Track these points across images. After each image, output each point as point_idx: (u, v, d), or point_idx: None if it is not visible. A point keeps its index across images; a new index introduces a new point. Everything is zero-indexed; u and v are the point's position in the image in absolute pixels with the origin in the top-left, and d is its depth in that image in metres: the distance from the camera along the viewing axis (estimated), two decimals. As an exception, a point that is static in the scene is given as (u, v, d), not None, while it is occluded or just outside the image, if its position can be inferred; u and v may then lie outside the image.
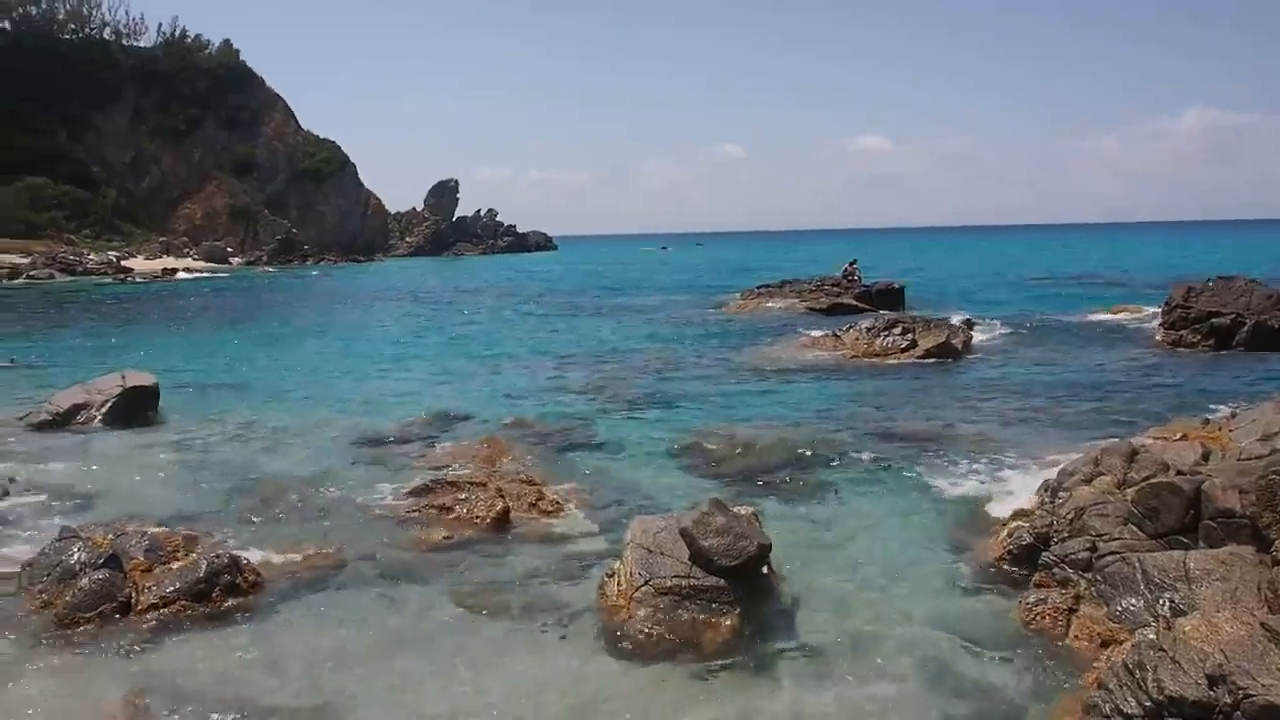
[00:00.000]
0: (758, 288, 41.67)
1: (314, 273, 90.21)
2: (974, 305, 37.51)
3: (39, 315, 43.57)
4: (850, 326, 25.63)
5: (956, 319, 27.63)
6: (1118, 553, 7.81)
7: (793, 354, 23.88)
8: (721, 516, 8.22)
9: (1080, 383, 19.02)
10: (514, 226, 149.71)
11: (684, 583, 7.84)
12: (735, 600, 7.79)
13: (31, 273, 74.95)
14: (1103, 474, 9.61)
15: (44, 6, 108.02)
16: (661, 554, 8.10)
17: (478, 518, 10.61)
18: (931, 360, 22.45)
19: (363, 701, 6.60)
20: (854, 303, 35.09)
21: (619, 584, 8.12)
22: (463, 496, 11.19)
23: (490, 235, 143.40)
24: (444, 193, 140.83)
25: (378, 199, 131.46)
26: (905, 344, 23.37)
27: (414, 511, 10.92)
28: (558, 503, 11.25)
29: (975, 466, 12.37)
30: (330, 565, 9.25)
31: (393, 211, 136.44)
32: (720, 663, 7.10)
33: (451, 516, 10.71)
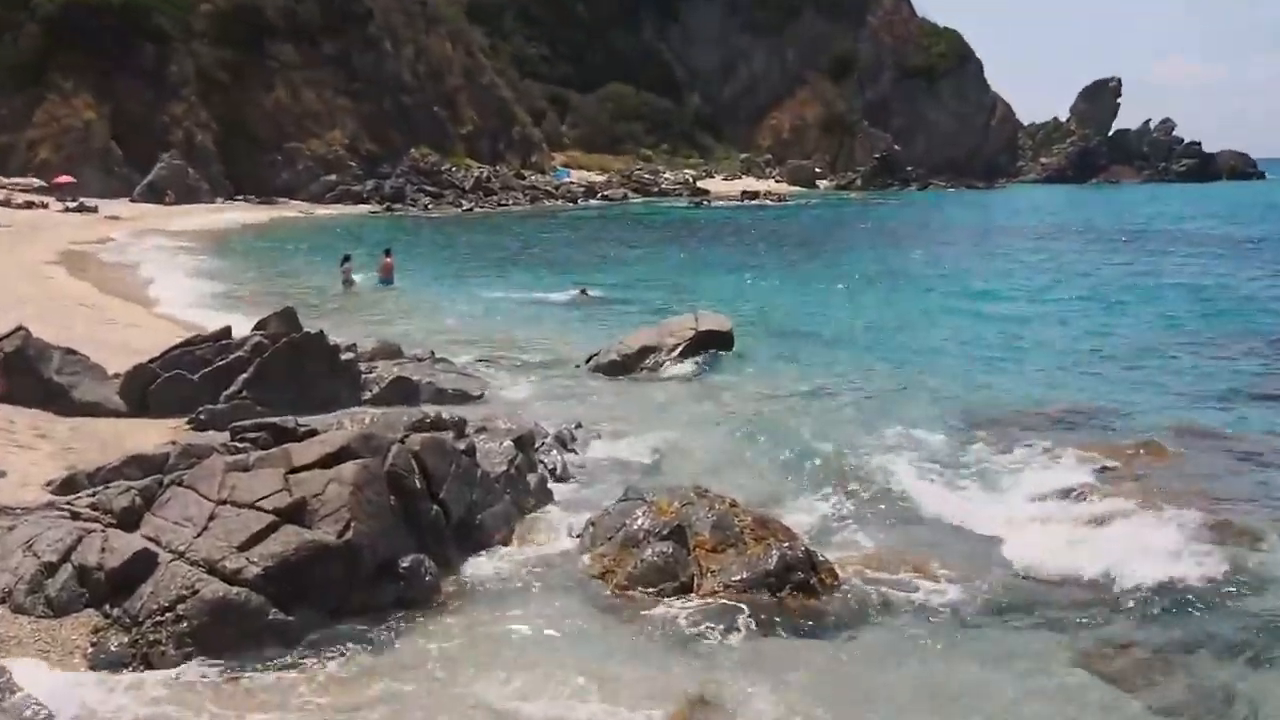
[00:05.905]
0: None
1: (918, 199, 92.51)
2: None
3: (611, 241, 50.84)
4: None
5: None
6: None
7: None
8: None
9: None
10: (1197, 144, 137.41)
11: None
12: None
13: (606, 192, 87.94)
14: None
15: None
16: None
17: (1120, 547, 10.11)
18: None
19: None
20: None
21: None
22: (1099, 514, 10.76)
23: (1160, 157, 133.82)
24: (1099, 96, 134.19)
25: (1006, 105, 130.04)
26: None
27: (1031, 524, 10.77)
28: (1243, 542, 10.29)
29: None
30: (916, 577, 9.46)
31: (1026, 124, 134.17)
32: None
33: (1082, 540, 10.35)
